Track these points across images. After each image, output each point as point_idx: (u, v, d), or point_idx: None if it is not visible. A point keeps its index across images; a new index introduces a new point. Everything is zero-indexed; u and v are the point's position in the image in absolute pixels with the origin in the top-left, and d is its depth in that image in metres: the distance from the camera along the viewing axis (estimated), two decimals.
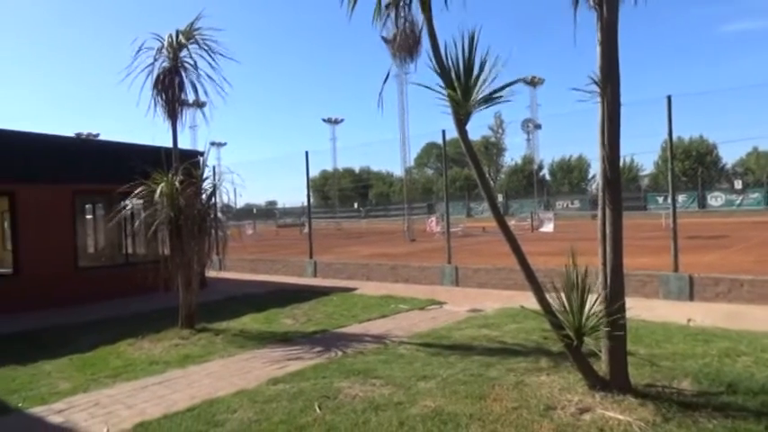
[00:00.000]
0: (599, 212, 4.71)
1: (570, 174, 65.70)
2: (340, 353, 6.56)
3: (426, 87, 4.48)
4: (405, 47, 4.86)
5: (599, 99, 4.55)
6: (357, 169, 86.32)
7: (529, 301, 6.12)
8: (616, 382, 4.54)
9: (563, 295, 4.63)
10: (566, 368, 5.24)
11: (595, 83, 4.49)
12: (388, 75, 4.85)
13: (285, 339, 7.49)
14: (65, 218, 11.76)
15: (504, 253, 5.41)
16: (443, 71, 4.44)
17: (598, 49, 4.53)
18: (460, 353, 6.25)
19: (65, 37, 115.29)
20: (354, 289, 11.95)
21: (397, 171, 74.51)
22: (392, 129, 70.76)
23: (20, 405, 5.21)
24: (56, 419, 4.83)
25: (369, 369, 5.72)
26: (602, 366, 4.68)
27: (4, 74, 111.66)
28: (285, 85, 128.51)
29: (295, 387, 5.26)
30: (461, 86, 4.40)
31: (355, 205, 68.00)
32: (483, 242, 23.25)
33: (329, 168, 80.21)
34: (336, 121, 78.71)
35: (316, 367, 5.94)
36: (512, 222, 5.56)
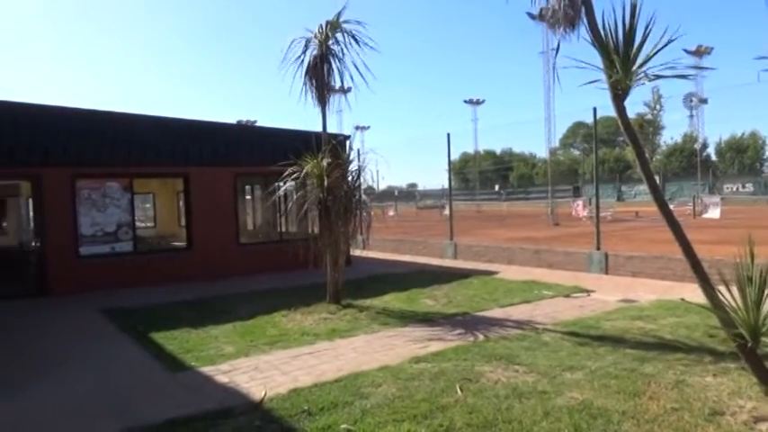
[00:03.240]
0: None
1: (742, 153, 58.46)
2: (481, 336, 6.49)
3: (581, 66, 4.18)
4: (565, 18, 4.57)
5: None
6: (498, 151, 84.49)
7: (692, 293, 5.58)
8: None
9: (736, 289, 4.14)
10: (736, 370, 4.71)
11: None
12: (558, 47, 4.58)
13: (426, 319, 7.59)
14: (228, 197, 12.95)
15: (660, 240, 4.98)
16: (600, 41, 4.12)
17: None
18: (611, 345, 5.88)
19: (229, 33, 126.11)
20: (495, 272, 11.75)
21: (541, 152, 71.63)
22: (536, 108, 67.92)
23: (193, 364, 5.85)
24: (222, 379, 5.36)
25: (511, 355, 5.60)
26: None
27: (179, 68, 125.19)
28: (427, 68, 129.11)
29: (436, 367, 5.30)
30: (620, 58, 4.05)
31: (496, 187, 66.71)
32: (635, 228, 21.64)
33: (470, 150, 79.32)
34: (478, 102, 77.30)
35: (457, 349, 5.94)
36: (671, 207, 5.03)
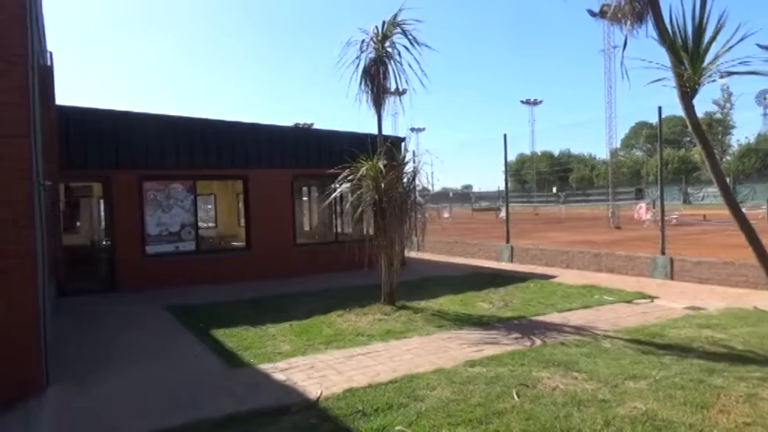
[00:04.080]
0: None
1: None
2: (538, 341, 6.35)
3: (647, 63, 4.02)
4: (632, 13, 4.41)
5: None
6: (556, 152, 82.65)
7: (766, 301, 5.28)
8: None
9: None
10: None
11: None
12: (625, 43, 4.42)
13: (481, 323, 7.50)
14: (285, 199, 13.21)
15: (730, 245, 4.73)
16: (667, 37, 3.95)
17: None
18: (677, 354, 5.62)
19: (288, 38, 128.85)
20: (553, 276, 11.48)
21: (601, 153, 69.61)
22: (595, 108, 65.87)
23: (251, 361, 6.00)
24: (279, 377, 5.47)
25: (570, 361, 5.45)
26: None
27: (238, 74, 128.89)
28: (483, 69, 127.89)
29: (492, 371, 5.23)
30: (689, 55, 3.87)
31: (554, 190, 65.21)
32: (702, 232, 20.65)
33: (526, 152, 78.02)
34: (535, 103, 75.80)
35: (513, 354, 5.84)
36: (742, 210, 4.77)
